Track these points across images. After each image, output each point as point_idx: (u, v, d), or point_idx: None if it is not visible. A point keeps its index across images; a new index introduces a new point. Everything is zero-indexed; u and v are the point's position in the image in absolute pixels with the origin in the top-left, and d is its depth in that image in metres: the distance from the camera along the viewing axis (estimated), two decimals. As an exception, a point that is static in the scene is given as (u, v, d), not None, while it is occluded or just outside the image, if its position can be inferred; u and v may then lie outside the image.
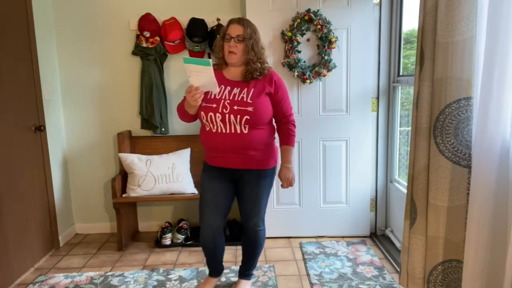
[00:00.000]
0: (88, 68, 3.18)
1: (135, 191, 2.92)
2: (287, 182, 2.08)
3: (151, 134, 3.23)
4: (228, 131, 1.95)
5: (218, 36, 2.07)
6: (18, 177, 2.64)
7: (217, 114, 1.94)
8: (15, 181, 2.60)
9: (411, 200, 1.89)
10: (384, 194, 3.15)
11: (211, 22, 3.06)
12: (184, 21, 3.04)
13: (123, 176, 3.05)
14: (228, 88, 1.99)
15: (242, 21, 2.00)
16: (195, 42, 3.02)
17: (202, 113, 1.98)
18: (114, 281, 2.52)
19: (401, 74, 2.93)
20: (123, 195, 2.97)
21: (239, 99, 1.94)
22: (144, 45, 3.04)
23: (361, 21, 2.89)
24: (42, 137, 2.90)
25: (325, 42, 2.82)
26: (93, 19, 3.12)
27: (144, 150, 3.14)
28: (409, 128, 2.84)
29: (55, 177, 3.09)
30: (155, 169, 2.96)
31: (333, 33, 2.84)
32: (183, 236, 3.06)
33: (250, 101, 1.94)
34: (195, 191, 2.99)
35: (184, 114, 2.06)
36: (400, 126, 3.03)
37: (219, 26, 3.04)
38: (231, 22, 2.02)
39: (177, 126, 3.24)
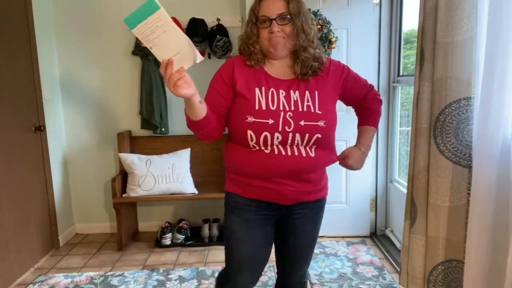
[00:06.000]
0: (88, 68, 3.18)
1: (135, 191, 2.92)
2: (354, 164, 1.49)
3: (151, 134, 3.23)
4: (289, 153, 1.33)
5: (247, 24, 1.42)
6: (18, 177, 2.63)
7: (276, 135, 1.30)
8: (15, 181, 2.60)
9: (411, 200, 1.88)
10: (384, 194, 3.15)
11: (211, 22, 3.06)
12: (184, 21, 3.04)
13: (123, 176, 3.05)
14: (283, 92, 1.35)
15: None
16: (195, 42, 3.02)
17: (250, 133, 1.30)
18: (114, 281, 2.52)
19: (401, 74, 2.93)
20: (123, 195, 2.97)
21: (304, 109, 1.33)
22: (144, 45, 3.03)
23: (361, 21, 2.89)
24: (42, 137, 2.90)
25: (325, 42, 2.82)
26: (93, 19, 3.12)
27: (144, 150, 3.14)
28: (409, 128, 2.84)
29: (55, 177, 3.09)
30: (155, 169, 2.96)
31: (333, 33, 2.83)
32: (183, 236, 3.06)
33: (320, 112, 1.33)
34: (195, 191, 2.99)
35: (191, 124, 1.30)
36: (400, 126, 3.03)
37: (219, 26, 3.04)
38: None
39: (177, 126, 3.24)
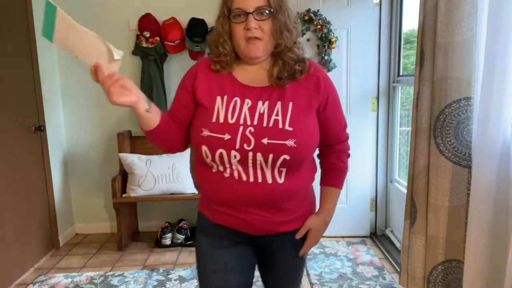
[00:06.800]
0: (88, 68, 3.17)
1: (135, 191, 2.92)
2: (315, 241, 1.28)
3: (151, 134, 3.23)
4: (252, 179, 1.11)
5: (217, 19, 1.28)
6: (18, 177, 2.64)
7: (233, 153, 1.09)
8: (15, 181, 2.60)
9: (411, 200, 1.88)
10: (384, 194, 3.15)
11: (211, 22, 3.06)
12: (184, 21, 3.04)
13: (123, 176, 3.05)
14: (248, 102, 1.13)
15: None
16: (195, 42, 3.02)
17: (205, 148, 1.11)
18: (114, 281, 2.52)
19: (401, 74, 2.93)
20: (123, 195, 2.97)
21: (270, 124, 1.11)
22: (144, 45, 3.04)
23: (361, 21, 2.89)
24: (42, 137, 2.90)
25: (325, 42, 2.83)
26: (93, 19, 3.12)
27: (144, 150, 3.14)
28: (409, 128, 2.84)
29: (55, 177, 3.09)
30: (155, 169, 2.96)
31: (333, 33, 2.84)
32: (183, 236, 3.06)
33: (290, 129, 1.10)
34: (195, 191, 2.99)
35: (146, 133, 1.16)
36: (400, 126, 3.03)
37: (219, 26, 3.04)
38: None
39: (177, 126, 3.24)
